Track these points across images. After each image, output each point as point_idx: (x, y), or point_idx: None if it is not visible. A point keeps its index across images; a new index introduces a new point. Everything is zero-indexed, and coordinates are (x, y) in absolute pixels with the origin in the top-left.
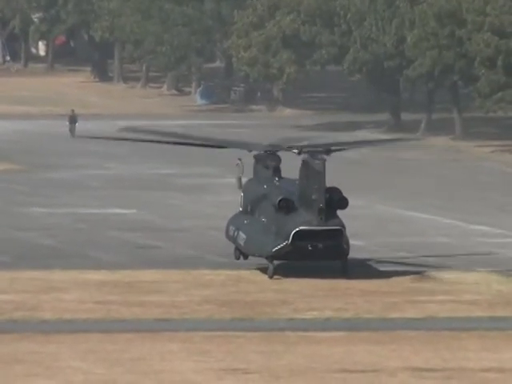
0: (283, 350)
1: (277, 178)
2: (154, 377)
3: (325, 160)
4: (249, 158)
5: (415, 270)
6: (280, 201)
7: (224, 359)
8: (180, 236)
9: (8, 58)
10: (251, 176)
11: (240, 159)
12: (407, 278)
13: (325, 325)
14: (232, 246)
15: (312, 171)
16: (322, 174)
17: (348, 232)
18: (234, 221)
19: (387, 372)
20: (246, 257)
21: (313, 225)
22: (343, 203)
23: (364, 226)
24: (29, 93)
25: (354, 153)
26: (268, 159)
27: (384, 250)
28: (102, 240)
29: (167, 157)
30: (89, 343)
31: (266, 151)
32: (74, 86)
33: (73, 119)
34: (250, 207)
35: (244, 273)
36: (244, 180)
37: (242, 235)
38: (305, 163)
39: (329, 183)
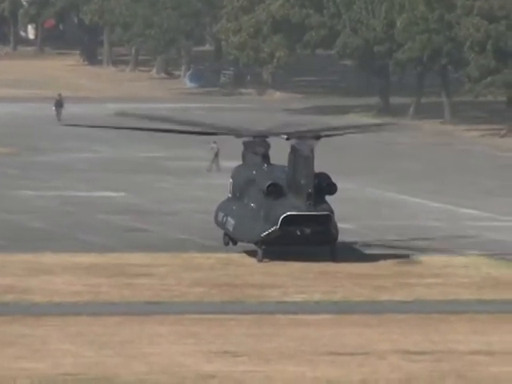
0: (273, 332)
1: (266, 164)
2: (143, 360)
3: (313, 145)
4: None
5: (404, 253)
6: (269, 186)
7: (214, 342)
8: (169, 219)
9: None
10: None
11: (215, 142)
12: (396, 261)
13: (314, 308)
14: (221, 232)
15: (300, 156)
16: (310, 159)
17: (338, 215)
18: (223, 207)
19: (376, 355)
20: (234, 243)
21: (301, 210)
22: (332, 189)
23: (354, 210)
24: (18, 76)
25: (343, 137)
26: (257, 145)
27: (374, 233)
28: (91, 223)
29: (156, 140)
30: (78, 326)
31: (255, 137)
32: (63, 70)
33: (59, 103)
34: (239, 193)
35: (233, 256)
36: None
37: (231, 221)
38: (293, 148)
39: (319, 167)
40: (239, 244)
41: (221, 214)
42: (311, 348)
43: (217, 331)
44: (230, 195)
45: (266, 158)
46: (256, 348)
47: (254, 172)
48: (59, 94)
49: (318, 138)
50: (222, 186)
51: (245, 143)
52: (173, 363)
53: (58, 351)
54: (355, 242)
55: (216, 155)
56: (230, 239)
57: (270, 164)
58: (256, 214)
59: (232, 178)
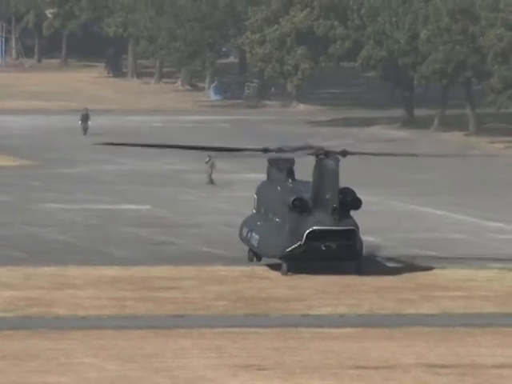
0: (297, 346)
1: (290, 180)
2: (167, 373)
3: (338, 160)
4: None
5: (429, 266)
6: (294, 200)
7: (238, 355)
8: (194, 232)
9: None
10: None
11: (210, 156)
12: (421, 273)
13: (339, 321)
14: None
15: (326, 171)
16: (335, 174)
17: (362, 228)
18: (248, 222)
19: (401, 368)
20: (259, 258)
21: (326, 225)
22: (357, 203)
23: (378, 223)
24: (43, 88)
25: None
26: (281, 162)
27: (398, 245)
28: (116, 236)
29: (180, 153)
30: (102, 340)
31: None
32: (88, 82)
33: (85, 117)
34: (264, 208)
35: (258, 269)
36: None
37: (256, 236)
38: (318, 163)
39: (344, 179)
40: (263, 259)
41: (245, 230)
42: (336, 361)
43: (241, 345)
44: (254, 211)
45: (290, 173)
46: (281, 361)
47: (279, 188)
48: (85, 108)
49: (344, 154)
50: (244, 198)
51: (270, 160)
52: (197, 377)
53: (82, 365)
54: (382, 256)
55: (211, 168)
56: (255, 255)
57: (295, 180)
58: (281, 228)
59: (256, 193)
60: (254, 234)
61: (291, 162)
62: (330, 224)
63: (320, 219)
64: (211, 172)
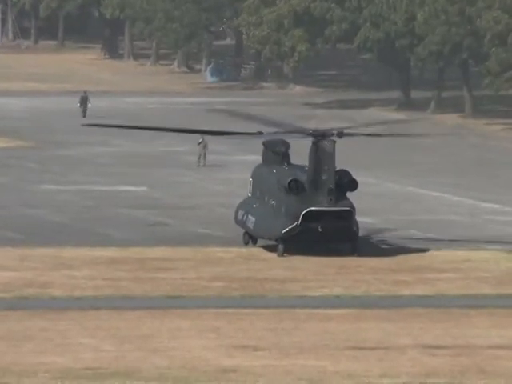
0: (293, 326)
1: (286, 163)
2: (163, 354)
3: (334, 141)
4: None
5: (425, 247)
6: (290, 182)
7: (234, 336)
8: (190, 213)
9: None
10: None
11: (202, 138)
12: (417, 255)
13: (335, 302)
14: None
15: (321, 152)
16: (331, 155)
17: (359, 210)
18: (243, 205)
19: (397, 349)
20: (254, 241)
21: (322, 205)
22: (353, 185)
23: (375, 204)
24: (39, 70)
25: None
26: (277, 145)
27: (395, 227)
28: (112, 217)
29: (176, 134)
30: (98, 320)
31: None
32: (84, 63)
33: (84, 100)
34: (259, 191)
35: (254, 250)
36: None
37: (252, 218)
38: (314, 145)
39: (340, 161)
40: (259, 241)
41: (241, 213)
42: (332, 342)
43: (237, 325)
44: (249, 194)
45: (286, 157)
46: (276, 342)
47: (275, 170)
48: (85, 91)
49: (339, 136)
50: (239, 180)
51: (265, 143)
52: (193, 357)
53: (79, 345)
54: (378, 237)
55: (204, 149)
56: (250, 238)
57: (290, 163)
58: (277, 210)
59: (252, 177)
60: (249, 216)
61: (286, 145)
62: (326, 205)
63: (316, 200)
64: (204, 153)
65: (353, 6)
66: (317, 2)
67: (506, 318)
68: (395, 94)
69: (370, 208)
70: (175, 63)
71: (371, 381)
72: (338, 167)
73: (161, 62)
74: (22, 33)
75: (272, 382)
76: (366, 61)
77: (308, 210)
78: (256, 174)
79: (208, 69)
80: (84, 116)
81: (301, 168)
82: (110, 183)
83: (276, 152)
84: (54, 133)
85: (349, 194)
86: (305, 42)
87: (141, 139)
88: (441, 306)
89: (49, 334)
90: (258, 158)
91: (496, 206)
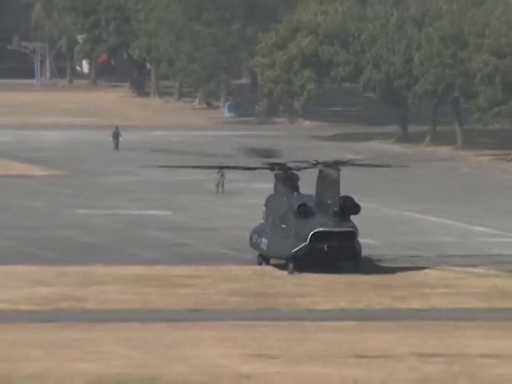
0: (303, 337)
1: (295, 193)
2: (185, 361)
3: (339, 170)
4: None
5: (421, 266)
6: (299, 206)
7: (250, 345)
8: (210, 235)
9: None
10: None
11: (220, 169)
12: (413, 273)
13: (340, 315)
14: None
15: (328, 179)
16: (337, 182)
17: (361, 232)
18: (257, 230)
19: (396, 357)
20: (267, 262)
21: (328, 227)
22: (356, 209)
23: (376, 227)
24: (74, 106)
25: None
26: (287, 177)
27: (393, 247)
28: (140, 238)
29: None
30: (127, 331)
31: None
32: (114, 101)
33: (116, 134)
34: (272, 218)
35: (267, 269)
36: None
37: (265, 241)
38: (321, 173)
39: (344, 188)
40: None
41: (255, 237)
42: (337, 351)
43: (252, 336)
44: (263, 221)
45: (295, 187)
46: (288, 351)
47: (285, 198)
48: (116, 127)
49: (343, 165)
50: (255, 205)
51: (276, 175)
52: (212, 364)
53: (109, 353)
54: (379, 257)
55: (222, 177)
56: (264, 259)
57: (299, 192)
58: (287, 232)
59: (265, 205)
60: (263, 239)
61: (295, 177)
62: (331, 226)
63: (323, 222)
64: (222, 181)
65: (356, 50)
66: (324, 45)
67: (494, 330)
68: (394, 128)
69: (371, 230)
70: (196, 100)
71: None
72: (343, 194)
73: (183, 99)
74: (59, 73)
75: None
76: (368, 98)
77: (315, 230)
78: (269, 203)
79: (226, 105)
80: (116, 149)
81: (308, 196)
82: (138, 208)
83: (286, 183)
84: (87, 163)
85: (352, 218)
86: (313, 82)
87: (165, 168)
88: (435, 319)
89: (82, 343)
90: (270, 186)
91: (483, 228)
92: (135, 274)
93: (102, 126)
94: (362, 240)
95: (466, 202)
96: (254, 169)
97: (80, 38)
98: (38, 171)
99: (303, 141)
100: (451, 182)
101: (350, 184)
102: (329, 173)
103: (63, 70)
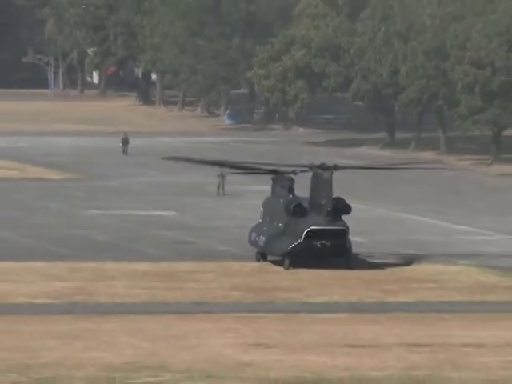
0: (298, 328)
1: (291, 195)
2: (190, 350)
3: (332, 172)
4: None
5: (407, 262)
6: (295, 206)
7: (249, 336)
8: (212, 234)
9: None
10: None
11: (221, 170)
12: (400, 268)
13: (333, 308)
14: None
15: (321, 181)
16: (329, 183)
17: (353, 231)
18: (255, 228)
19: (385, 347)
20: (265, 258)
21: (322, 225)
22: (347, 209)
23: (366, 226)
24: (85, 114)
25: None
26: (283, 180)
27: (382, 245)
28: (147, 237)
29: (199, 168)
30: (136, 323)
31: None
32: (122, 109)
33: (125, 141)
34: (269, 218)
35: (265, 265)
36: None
37: (263, 238)
38: (315, 174)
39: (336, 190)
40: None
41: (253, 235)
42: (331, 341)
43: (252, 327)
44: (260, 221)
45: (291, 190)
46: (284, 341)
47: (281, 200)
48: (125, 133)
49: (335, 168)
50: (255, 206)
51: (273, 179)
52: (215, 354)
53: (120, 344)
54: (369, 254)
55: (223, 180)
56: (262, 256)
57: (295, 195)
58: (283, 230)
59: (263, 206)
60: (261, 237)
61: (291, 180)
62: (324, 224)
63: (317, 221)
64: (222, 184)
65: (346, 62)
66: (316, 58)
67: (475, 321)
68: (382, 135)
69: (362, 229)
70: (198, 109)
71: (363, 373)
72: (335, 195)
73: (186, 107)
74: (71, 83)
75: (281, 374)
76: (357, 107)
77: (309, 228)
78: (266, 204)
79: (226, 113)
80: (125, 154)
81: (303, 198)
82: (145, 208)
83: (283, 186)
84: (97, 167)
85: (344, 217)
86: (306, 92)
87: (170, 171)
88: (421, 311)
89: (95, 334)
90: (267, 188)
91: (465, 227)
92: (143, 270)
93: (111, 133)
94: (353, 238)
95: (449, 203)
96: (255, 172)
97: (90, 51)
98: (52, 175)
99: (298, 146)
100: (435, 184)
101: (341, 187)
102: (322, 174)
103: (75, 80)
